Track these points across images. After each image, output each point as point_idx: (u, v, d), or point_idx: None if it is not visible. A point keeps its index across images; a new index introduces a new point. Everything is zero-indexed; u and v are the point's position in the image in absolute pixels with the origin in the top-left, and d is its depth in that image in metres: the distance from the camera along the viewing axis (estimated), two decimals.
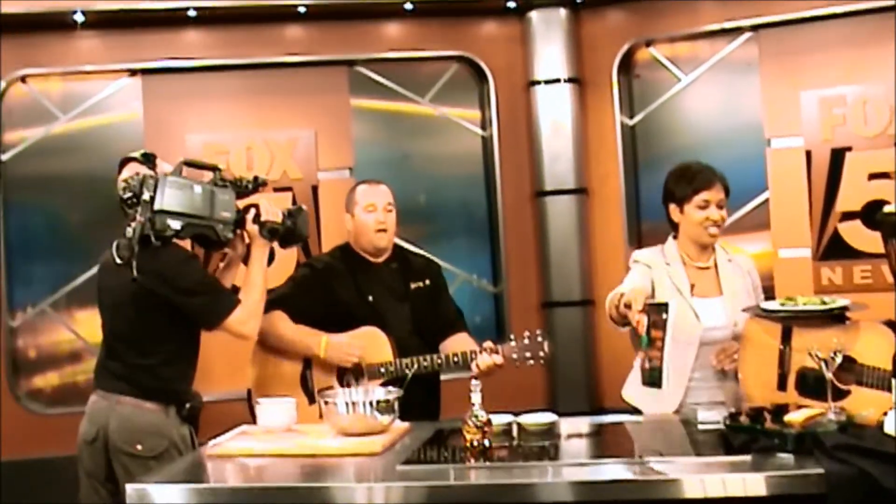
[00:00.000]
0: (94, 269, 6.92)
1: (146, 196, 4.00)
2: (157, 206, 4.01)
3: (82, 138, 7.28)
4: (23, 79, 7.21)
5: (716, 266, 4.48)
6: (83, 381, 7.17)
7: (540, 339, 4.61)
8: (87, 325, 7.16)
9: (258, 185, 4.44)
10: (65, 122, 7.27)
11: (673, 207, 4.47)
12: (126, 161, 4.32)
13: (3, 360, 7.07)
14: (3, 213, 7.10)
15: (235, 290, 4.39)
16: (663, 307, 3.84)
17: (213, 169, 4.35)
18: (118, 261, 4.18)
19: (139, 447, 4.14)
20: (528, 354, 4.59)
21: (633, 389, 4.43)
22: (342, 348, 4.63)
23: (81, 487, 4.33)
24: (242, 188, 4.38)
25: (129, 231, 4.02)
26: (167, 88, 7.29)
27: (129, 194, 4.06)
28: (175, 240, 4.14)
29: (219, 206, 4.21)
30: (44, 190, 7.24)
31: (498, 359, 4.55)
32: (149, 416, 4.19)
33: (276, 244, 4.45)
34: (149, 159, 4.27)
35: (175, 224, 4.05)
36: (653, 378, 3.81)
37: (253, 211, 4.36)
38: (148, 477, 3.63)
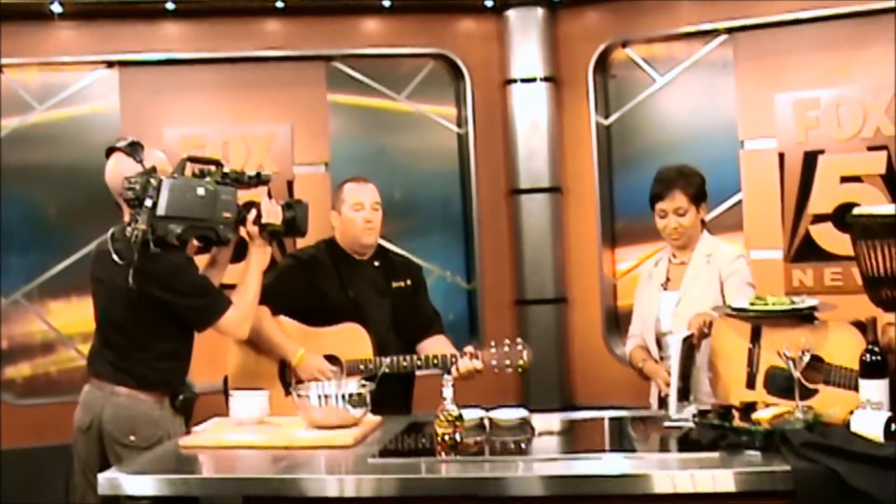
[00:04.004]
0: (69, 261, 7.08)
1: (148, 203, 3.94)
2: (159, 212, 3.96)
3: (58, 129, 7.22)
4: None
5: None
6: (55, 371, 7.18)
7: (520, 347, 4.60)
8: (61, 317, 7.15)
9: (261, 181, 4.41)
10: (41, 112, 7.22)
11: None
12: (112, 150, 4.24)
13: None
14: None
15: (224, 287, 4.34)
16: None
17: (216, 164, 4.30)
18: (115, 257, 4.10)
19: (133, 438, 4.12)
20: (507, 362, 4.59)
21: None
22: (313, 368, 4.60)
23: (76, 474, 4.31)
24: (245, 183, 4.34)
25: (129, 231, 3.95)
26: (144, 81, 7.24)
27: (130, 195, 3.98)
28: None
29: (221, 206, 4.17)
30: (19, 180, 7.17)
31: (478, 364, 4.56)
32: (143, 407, 4.17)
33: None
34: (135, 149, 4.19)
35: (176, 229, 4.01)
36: None
37: (254, 212, 4.31)
38: (120, 467, 3.66)
